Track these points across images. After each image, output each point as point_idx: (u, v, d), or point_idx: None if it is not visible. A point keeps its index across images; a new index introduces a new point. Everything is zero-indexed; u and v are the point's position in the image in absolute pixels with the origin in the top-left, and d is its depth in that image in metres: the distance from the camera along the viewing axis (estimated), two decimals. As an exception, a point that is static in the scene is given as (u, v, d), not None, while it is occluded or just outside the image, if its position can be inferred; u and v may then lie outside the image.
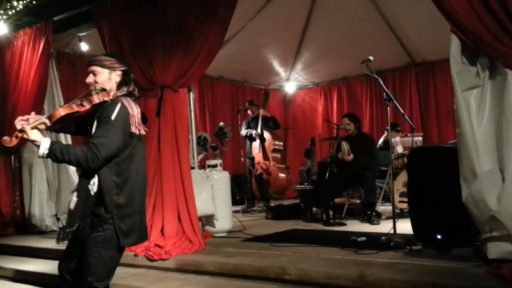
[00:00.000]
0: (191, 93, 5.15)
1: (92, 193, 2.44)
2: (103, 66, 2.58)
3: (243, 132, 7.84)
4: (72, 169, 6.23)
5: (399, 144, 7.21)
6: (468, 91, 3.17)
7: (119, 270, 3.86)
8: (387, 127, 5.19)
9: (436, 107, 8.64)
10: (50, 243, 5.20)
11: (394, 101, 4.83)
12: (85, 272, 2.43)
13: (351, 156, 5.68)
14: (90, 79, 2.58)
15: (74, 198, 2.46)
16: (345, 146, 5.73)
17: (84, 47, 6.67)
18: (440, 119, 8.56)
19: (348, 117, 6.08)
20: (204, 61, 4.66)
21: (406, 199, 5.14)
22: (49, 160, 2.39)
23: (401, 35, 7.93)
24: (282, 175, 7.60)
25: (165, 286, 3.67)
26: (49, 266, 4.51)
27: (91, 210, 2.45)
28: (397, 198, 5.59)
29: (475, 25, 3.09)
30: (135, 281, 3.77)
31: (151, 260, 4.15)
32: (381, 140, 7.50)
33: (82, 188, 2.46)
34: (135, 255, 4.22)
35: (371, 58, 4.86)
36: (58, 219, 6.41)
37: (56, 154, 2.32)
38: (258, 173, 7.55)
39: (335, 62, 8.92)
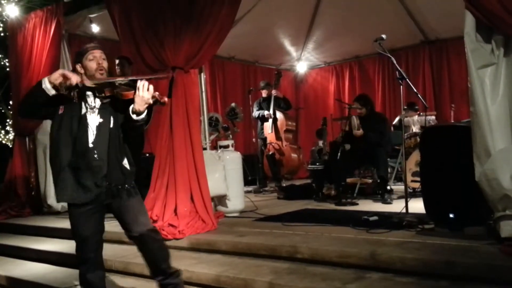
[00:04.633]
0: (202, 74, 5.13)
1: None
2: None
3: (255, 113, 7.81)
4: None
5: (417, 123, 7.11)
6: (483, 69, 3.12)
7: (134, 249, 3.88)
8: (405, 106, 5.13)
9: (450, 85, 8.52)
10: (66, 223, 5.25)
11: (407, 80, 4.78)
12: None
13: (361, 131, 5.66)
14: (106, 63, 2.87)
15: None
16: (355, 120, 5.72)
17: (95, 28, 6.67)
18: (454, 97, 8.44)
19: (359, 101, 5.95)
20: (215, 42, 4.64)
21: (418, 179, 5.12)
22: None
23: (414, 12, 7.78)
24: (294, 155, 7.60)
25: (179, 264, 3.71)
26: (65, 246, 4.60)
27: None
28: (409, 178, 5.58)
29: (489, 1, 3.03)
30: (150, 260, 3.81)
31: (165, 240, 4.20)
32: (396, 119, 7.45)
33: None
34: (149, 235, 4.28)
35: (383, 36, 4.79)
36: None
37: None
38: (270, 153, 7.56)
39: (347, 41, 8.81)
